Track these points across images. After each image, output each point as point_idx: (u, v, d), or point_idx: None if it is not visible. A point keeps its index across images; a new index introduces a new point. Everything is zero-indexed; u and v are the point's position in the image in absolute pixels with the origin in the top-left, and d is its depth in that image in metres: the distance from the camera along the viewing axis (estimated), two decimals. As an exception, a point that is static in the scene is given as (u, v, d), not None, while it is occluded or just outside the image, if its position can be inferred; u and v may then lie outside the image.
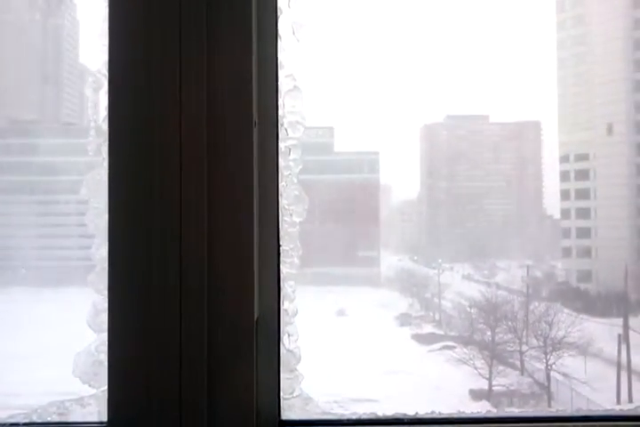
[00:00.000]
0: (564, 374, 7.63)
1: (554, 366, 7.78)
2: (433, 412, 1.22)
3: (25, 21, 8.48)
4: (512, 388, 7.71)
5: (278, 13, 1.23)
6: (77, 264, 6.91)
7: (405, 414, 1.20)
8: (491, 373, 7.81)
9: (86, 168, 1.27)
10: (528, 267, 9.44)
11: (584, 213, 9.21)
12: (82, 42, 8.52)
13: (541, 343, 8.01)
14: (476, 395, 7.54)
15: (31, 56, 8.42)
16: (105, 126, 1.20)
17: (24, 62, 8.45)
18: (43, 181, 7.72)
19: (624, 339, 7.66)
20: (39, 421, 1.18)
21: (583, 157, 9.41)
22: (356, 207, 9.54)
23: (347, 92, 9.20)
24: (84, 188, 1.25)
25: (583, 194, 9.23)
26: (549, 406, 7.51)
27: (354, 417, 1.20)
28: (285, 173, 1.25)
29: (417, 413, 1.21)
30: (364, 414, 1.20)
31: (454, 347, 8.32)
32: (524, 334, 8.21)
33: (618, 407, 1.34)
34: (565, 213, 9.47)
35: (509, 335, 8.25)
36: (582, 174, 9.29)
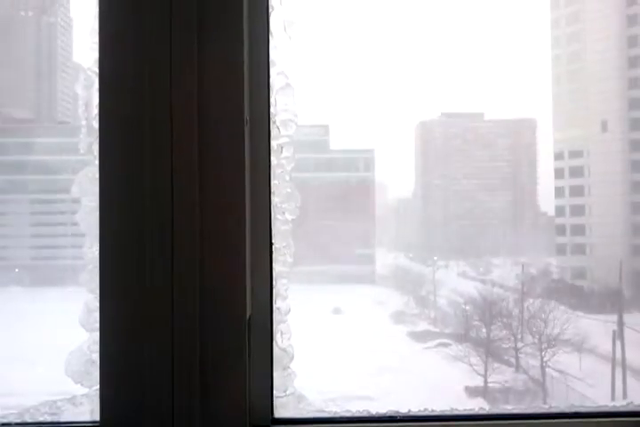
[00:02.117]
0: (559, 371, 7.65)
1: (549, 362, 7.80)
2: (426, 409, 1.22)
3: (18, 19, 8.45)
4: (507, 385, 7.73)
5: (270, 10, 1.23)
6: (71, 263, 6.89)
7: (398, 412, 1.20)
8: (486, 370, 7.83)
9: (78, 167, 1.26)
10: (523, 264, 9.45)
11: (578, 211, 9.23)
12: (75, 40, 8.49)
13: (536, 340, 8.03)
14: (472, 392, 7.56)
15: (25, 54, 8.39)
16: (96, 124, 1.19)
17: (18, 61, 8.42)
18: (37, 180, 7.69)
19: (619, 335, 7.68)
20: (31, 420, 1.18)
21: (577, 154, 9.43)
22: (351, 205, 9.54)
23: (341, 89, 9.19)
24: (76, 186, 1.25)
25: (577, 191, 9.25)
26: (544, 402, 7.54)
27: (347, 415, 1.20)
28: (278, 170, 1.25)
29: (410, 410, 1.21)
30: (358, 411, 1.20)
31: (449, 344, 8.33)
32: (519, 331, 8.23)
33: (612, 404, 1.35)
34: (560, 211, 9.49)
35: (504, 332, 8.27)
36: (577, 171, 9.31)
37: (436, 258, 9.91)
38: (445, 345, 8.34)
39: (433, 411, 1.21)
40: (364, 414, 1.20)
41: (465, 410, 1.23)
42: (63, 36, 8.51)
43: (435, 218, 10.28)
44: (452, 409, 1.22)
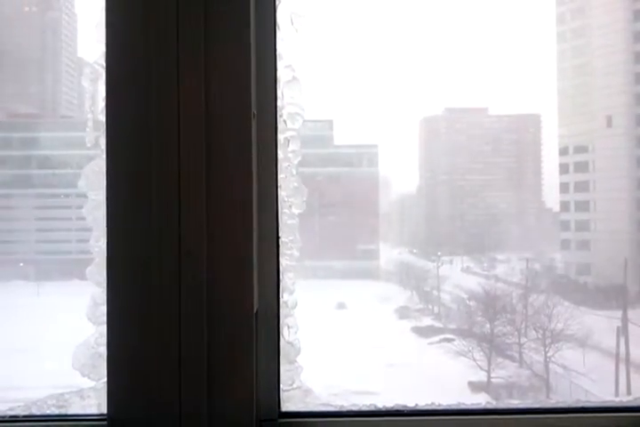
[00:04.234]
0: (563, 366, 7.65)
1: (552, 358, 7.79)
2: (433, 403, 1.22)
3: (23, 15, 8.44)
4: (511, 380, 7.73)
5: (277, 3, 1.22)
6: (76, 258, 6.91)
7: (405, 406, 1.20)
8: (489, 365, 7.83)
9: (85, 161, 1.26)
10: (527, 260, 9.43)
11: (583, 206, 9.20)
12: (80, 35, 8.48)
13: (540, 336, 8.02)
14: (475, 387, 7.56)
15: (29, 49, 8.39)
16: (103, 118, 1.19)
17: (22, 56, 8.42)
18: (41, 174, 7.71)
19: (623, 331, 7.67)
20: (38, 413, 1.18)
21: (582, 150, 9.39)
22: (355, 200, 9.52)
23: (345, 84, 9.17)
24: (83, 180, 1.25)
25: (582, 186, 9.22)
26: (548, 397, 7.53)
27: (354, 409, 1.20)
28: (284, 164, 1.24)
29: (417, 404, 1.21)
30: (364, 405, 1.20)
31: (453, 339, 8.33)
32: (523, 326, 8.22)
33: (616, 399, 1.35)
34: (564, 206, 9.46)
35: (508, 328, 8.26)
36: (581, 167, 9.27)
37: (440, 253, 9.89)
38: (449, 340, 8.34)
39: (440, 405, 1.21)
40: (372, 408, 1.20)
41: (472, 404, 1.23)
42: (67, 32, 8.50)
43: (439, 213, 10.27)
44: (459, 404, 1.22)
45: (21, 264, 7.79)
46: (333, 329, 8.07)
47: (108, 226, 1.13)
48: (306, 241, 1.27)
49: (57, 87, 8.50)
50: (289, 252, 1.23)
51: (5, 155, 7.84)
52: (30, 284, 7.46)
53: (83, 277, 1.22)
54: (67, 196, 7.05)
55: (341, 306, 9.03)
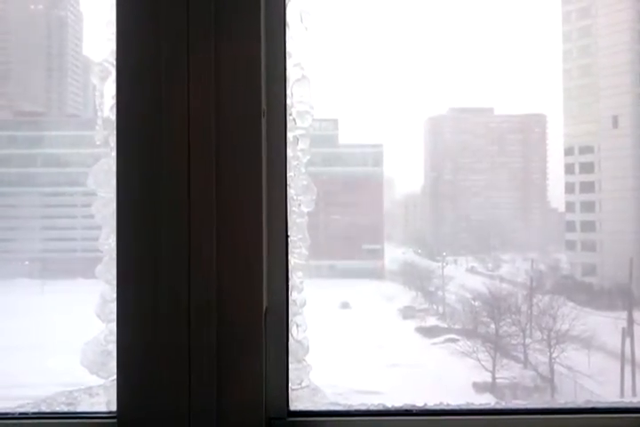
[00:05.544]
0: (568, 367, 7.63)
1: (557, 359, 7.78)
2: (441, 403, 1.21)
3: (28, 13, 8.46)
4: (515, 381, 7.71)
5: (286, 1, 1.22)
6: (83, 256, 6.93)
7: (414, 406, 1.19)
8: (494, 365, 7.81)
9: (93, 159, 1.26)
10: (532, 260, 9.41)
11: (589, 207, 9.17)
12: (85, 34, 8.49)
13: (545, 337, 8.00)
14: (480, 388, 7.55)
15: (35, 48, 8.41)
16: (112, 116, 1.19)
17: (28, 54, 8.44)
18: (46, 172, 7.73)
19: (628, 332, 7.64)
20: (48, 410, 1.18)
21: (588, 150, 9.37)
22: (359, 200, 9.52)
23: (351, 83, 9.16)
24: (91, 178, 1.24)
25: (588, 187, 9.20)
26: (552, 398, 7.52)
27: (362, 408, 1.19)
28: (293, 162, 1.24)
29: (425, 404, 1.20)
30: (373, 405, 1.20)
31: (458, 340, 8.32)
32: (528, 327, 8.20)
33: (621, 400, 1.34)
34: (570, 206, 9.44)
35: (513, 328, 8.24)
36: (587, 167, 9.25)
37: (444, 254, 9.88)
38: (454, 341, 8.33)
39: (448, 405, 1.21)
40: (379, 408, 1.20)
41: (480, 405, 1.23)
42: (73, 30, 8.52)
43: (443, 213, 10.26)
44: (468, 404, 1.21)
45: (26, 262, 7.81)
46: (337, 329, 8.06)
47: (117, 224, 1.13)
48: (310, 241, 1.27)
49: (63, 86, 8.52)
50: (298, 250, 1.23)
51: (11, 153, 7.86)
52: (35, 282, 7.49)
53: (87, 275, 1.22)
54: (72, 194, 7.07)
55: (345, 306, 9.03)
